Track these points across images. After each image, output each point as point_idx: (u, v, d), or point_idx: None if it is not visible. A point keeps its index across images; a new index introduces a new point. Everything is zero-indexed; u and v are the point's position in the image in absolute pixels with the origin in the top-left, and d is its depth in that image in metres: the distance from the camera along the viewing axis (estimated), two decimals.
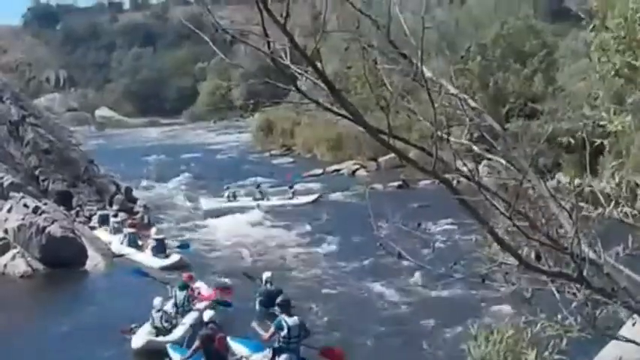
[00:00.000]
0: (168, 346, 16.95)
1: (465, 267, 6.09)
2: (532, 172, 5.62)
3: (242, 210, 33.56)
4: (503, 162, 5.97)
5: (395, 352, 17.46)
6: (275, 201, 35.38)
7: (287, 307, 16.10)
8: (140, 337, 18.02)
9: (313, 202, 35.48)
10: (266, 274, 20.37)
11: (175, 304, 19.50)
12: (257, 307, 19.85)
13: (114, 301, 22.66)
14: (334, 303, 20.97)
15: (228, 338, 16.15)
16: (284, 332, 15.49)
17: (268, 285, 19.99)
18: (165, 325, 18.42)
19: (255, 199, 35.21)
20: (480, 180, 5.11)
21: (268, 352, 15.88)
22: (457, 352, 6.09)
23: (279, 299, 16.72)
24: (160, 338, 17.88)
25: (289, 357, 15.56)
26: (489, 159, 6.19)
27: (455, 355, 6.05)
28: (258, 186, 36.64)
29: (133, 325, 18.28)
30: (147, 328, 18.50)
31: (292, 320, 15.71)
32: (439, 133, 4.94)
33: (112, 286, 24.72)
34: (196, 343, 15.27)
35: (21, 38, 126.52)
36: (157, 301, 18.81)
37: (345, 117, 4.90)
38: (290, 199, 35.56)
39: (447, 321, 18.19)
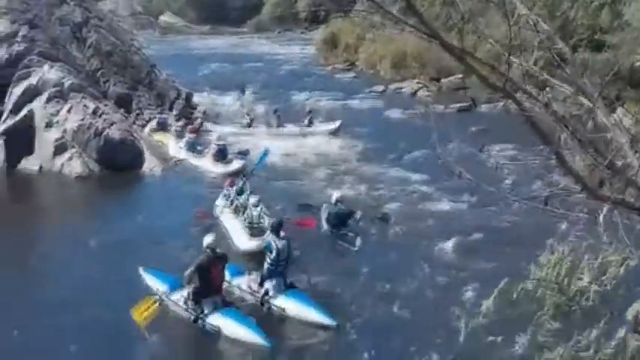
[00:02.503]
0: (141, 269, 16.27)
1: (527, 190, 5.91)
2: (600, 101, 5.40)
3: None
4: (571, 89, 5.70)
5: (455, 268, 17.30)
6: (291, 128, 31.63)
7: (278, 229, 15.95)
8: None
9: (333, 132, 31.73)
10: (336, 194, 20.21)
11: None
12: (325, 226, 19.75)
13: (169, 205, 22.81)
14: (397, 221, 20.63)
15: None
16: (273, 254, 15.40)
17: (339, 205, 19.85)
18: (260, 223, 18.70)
19: (269, 126, 31.85)
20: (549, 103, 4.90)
21: (256, 277, 15.77)
22: (517, 273, 5.88)
23: (273, 221, 16.58)
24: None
25: (277, 282, 15.44)
26: (556, 85, 5.92)
27: (515, 276, 5.85)
28: (276, 111, 32.64)
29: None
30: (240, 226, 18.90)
31: (282, 243, 15.58)
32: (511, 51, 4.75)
33: (168, 190, 24.90)
34: (190, 269, 14.55)
35: None
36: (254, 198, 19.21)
37: (419, 30, 4.73)
38: (307, 126, 31.85)
39: (508, 243, 17.97)
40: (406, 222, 20.55)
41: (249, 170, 23.41)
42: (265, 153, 24.14)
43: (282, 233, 15.92)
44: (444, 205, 21.84)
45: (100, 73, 31.93)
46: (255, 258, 16.82)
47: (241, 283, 15.94)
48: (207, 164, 26.60)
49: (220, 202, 20.91)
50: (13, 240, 20.10)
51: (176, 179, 25.88)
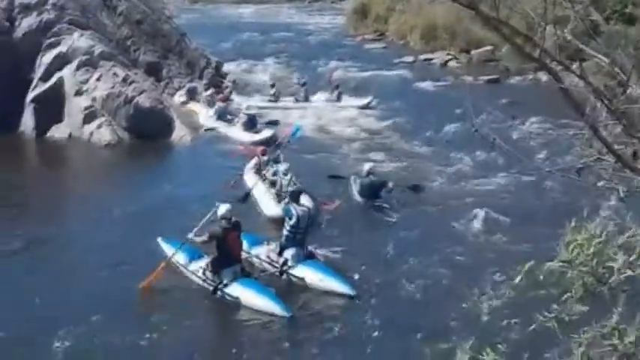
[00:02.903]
0: (160, 239, 16.20)
1: (559, 161, 5.85)
2: (634, 72, 5.30)
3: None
4: (605, 61, 5.60)
5: (484, 243, 17.16)
6: (319, 103, 30.79)
7: (297, 197, 15.97)
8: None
9: (363, 107, 30.67)
10: (368, 166, 20.10)
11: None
12: (358, 198, 19.70)
13: (197, 174, 22.81)
14: (428, 193, 20.55)
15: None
16: (293, 221, 15.32)
17: (371, 176, 19.75)
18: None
19: (297, 101, 30.97)
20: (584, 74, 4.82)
21: (275, 246, 15.69)
22: (546, 250, 5.82)
23: (293, 188, 16.59)
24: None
25: (296, 250, 15.35)
26: (590, 56, 5.82)
27: (544, 253, 5.79)
28: (303, 84, 31.63)
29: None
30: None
31: (302, 209, 15.54)
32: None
33: (197, 159, 24.91)
34: (204, 237, 14.59)
35: None
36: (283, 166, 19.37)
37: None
38: (336, 101, 30.89)
39: (540, 217, 17.60)
40: (437, 194, 20.44)
41: (283, 142, 23.27)
42: (297, 129, 23.95)
43: (302, 202, 15.94)
44: (477, 177, 21.61)
45: (130, 41, 31.93)
46: (279, 225, 16.79)
47: (260, 253, 15.88)
48: (236, 133, 26.57)
49: (250, 170, 21.00)
50: (40, 206, 20.33)
51: (205, 148, 25.90)
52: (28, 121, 26.41)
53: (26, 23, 27.96)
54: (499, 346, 5.71)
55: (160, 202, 19.69)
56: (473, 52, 43.03)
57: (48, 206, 20.23)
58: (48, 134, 26.18)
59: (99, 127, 25.68)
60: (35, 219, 18.85)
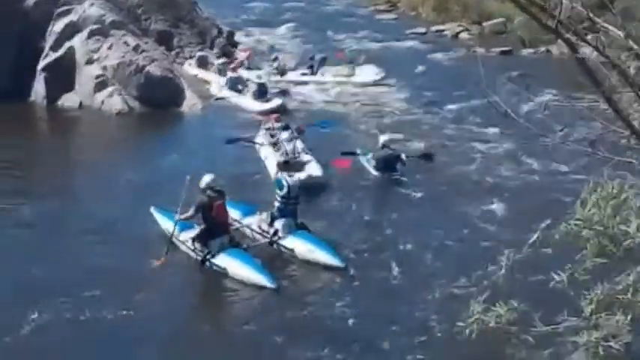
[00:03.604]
0: (153, 209, 16.32)
1: (574, 133, 5.82)
2: None
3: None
4: (620, 33, 5.54)
5: (497, 214, 17.25)
6: (329, 77, 29.58)
7: (287, 166, 16.20)
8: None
9: (375, 84, 29.53)
10: (383, 137, 19.81)
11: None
12: (373, 172, 19.48)
13: (207, 143, 22.79)
14: (441, 164, 20.52)
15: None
16: (284, 191, 15.31)
17: (386, 149, 19.50)
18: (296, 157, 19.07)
19: (304, 74, 30.01)
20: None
21: (266, 216, 15.66)
22: (560, 215, 5.80)
23: (282, 158, 16.68)
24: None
25: (287, 221, 15.36)
26: (605, 28, 5.75)
27: (559, 215, 5.78)
28: (312, 57, 30.86)
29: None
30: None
31: (292, 180, 15.57)
32: None
33: (208, 128, 24.92)
34: (190, 211, 14.60)
35: None
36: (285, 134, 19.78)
37: None
38: (347, 76, 29.63)
39: (553, 189, 17.78)
40: (451, 166, 20.44)
41: (309, 125, 22.20)
42: (330, 123, 22.90)
43: (292, 173, 16.10)
44: (490, 148, 21.53)
45: (140, 10, 31.81)
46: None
47: (252, 223, 15.93)
48: (247, 102, 26.48)
49: (261, 135, 21.11)
50: (49, 174, 20.45)
51: (216, 117, 25.85)
52: (38, 90, 26.36)
53: None
54: (511, 301, 5.72)
55: (169, 171, 19.64)
56: (484, 23, 42.74)
57: (56, 175, 20.30)
58: (59, 103, 26.15)
59: (110, 95, 25.63)
60: (43, 187, 19.03)
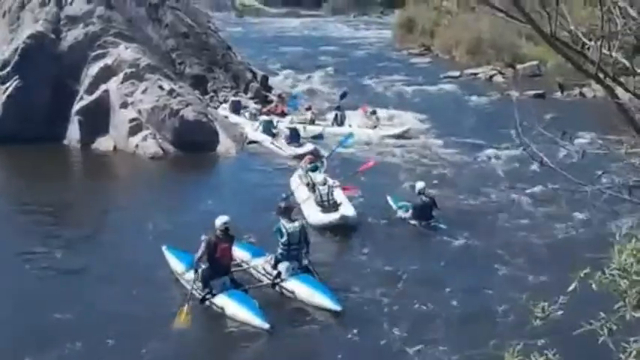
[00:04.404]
0: (164, 248, 16.44)
1: (610, 180, 5.73)
2: None
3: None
4: None
5: (529, 264, 16.66)
6: (355, 129, 28.17)
7: (288, 213, 15.83)
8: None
9: (398, 136, 28.76)
10: (419, 185, 19.35)
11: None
12: (412, 222, 18.98)
13: (241, 188, 22.76)
14: (473, 212, 20.26)
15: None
16: (283, 239, 15.23)
17: (422, 196, 19.08)
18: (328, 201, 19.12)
19: (331, 125, 29.54)
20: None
21: (270, 259, 15.56)
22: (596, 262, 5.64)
23: (282, 204, 16.41)
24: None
25: (291, 265, 15.25)
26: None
27: (595, 263, 5.62)
28: (338, 107, 30.53)
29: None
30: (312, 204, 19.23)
31: (292, 226, 15.39)
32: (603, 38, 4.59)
33: (242, 172, 24.89)
34: (200, 251, 14.56)
35: None
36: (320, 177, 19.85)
37: (506, 13, 4.66)
38: (372, 128, 29.06)
39: (589, 238, 17.38)
40: (484, 213, 20.12)
41: (331, 151, 23.47)
42: (351, 135, 24.07)
43: (293, 217, 15.90)
44: (524, 196, 21.20)
45: (175, 54, 32.10)
46: (321, 232, 17.05)
47: (258, 265, 15.94)
48: (280, 147, 26.55)
49: (296, 178, 21.11)
50: (82, 217, 20.49)
51: (250, 161, 25.87)
52: (73, 133, 26.49)
53: (72, 35, 28.13)
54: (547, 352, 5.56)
55: (202, 216, 19.54)
56: (518, 66, 42.91)
57: (88, 219, 20.22)
58: (93, 146, 26.23)
59: (144, 139, 25.71)
60: (74, 231, 18.86)
